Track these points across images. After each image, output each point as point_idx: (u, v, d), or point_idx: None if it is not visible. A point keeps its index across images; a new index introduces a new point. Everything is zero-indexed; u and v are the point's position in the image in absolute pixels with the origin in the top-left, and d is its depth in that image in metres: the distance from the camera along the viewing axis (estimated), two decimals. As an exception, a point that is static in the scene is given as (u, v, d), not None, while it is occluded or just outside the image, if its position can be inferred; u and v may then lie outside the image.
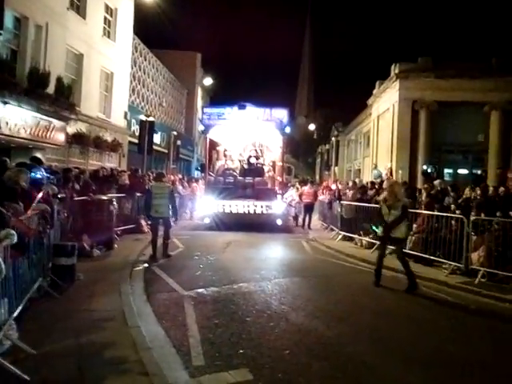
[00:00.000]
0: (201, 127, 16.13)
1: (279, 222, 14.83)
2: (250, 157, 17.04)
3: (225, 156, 18.81)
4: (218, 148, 18.66)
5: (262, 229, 14.04)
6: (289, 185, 20.37)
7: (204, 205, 15.26)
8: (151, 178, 15.08)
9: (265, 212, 14.59)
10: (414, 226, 10.07)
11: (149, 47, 27.19)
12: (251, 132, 16.52)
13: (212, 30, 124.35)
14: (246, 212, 14.56)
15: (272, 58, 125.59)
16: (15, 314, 4.56)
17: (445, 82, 23.03)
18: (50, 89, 14.41)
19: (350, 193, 14.07)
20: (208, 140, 16.76)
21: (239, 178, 16.13)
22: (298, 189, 18.10)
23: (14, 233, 4.20)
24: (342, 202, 13.77)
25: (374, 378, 4.17)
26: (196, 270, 8.64)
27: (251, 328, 5.35)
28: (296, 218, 17.76)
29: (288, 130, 15.70)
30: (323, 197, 17.37)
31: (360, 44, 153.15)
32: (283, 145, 16.52)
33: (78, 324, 5.16)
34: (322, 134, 56.75)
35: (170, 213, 10.09)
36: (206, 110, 17.08)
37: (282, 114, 15.60)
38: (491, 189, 11.83)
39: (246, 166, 16.82)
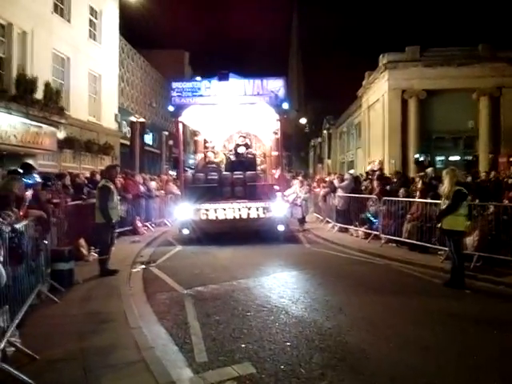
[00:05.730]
0: (170, 108, 12.07)
1: (281, 227, 11.65)
2: (238, 145, 13.80)
3: (205, 148, 15.45)
4: (196, 138, 15.94)
5: (260, 239, 11.50)
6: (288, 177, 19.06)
7: (180, 211, 11.82)
8: (145, 180, 15.03)
9: (261, 216, 11.55)
10: (408, 215, 10.16)
11: (136, 48, 27.12)
12: (237, 113, 12.88)
13: (198, 25, 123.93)
14: (237, 217, 11.50)
15: (260, 50, 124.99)
16: (17, 321, 4.58)
17: (433, 71, 23.16)
18: (39, 94, 14.40)
19: (344, 184, 13.85)
20: (181, 126, 12.61)
21: (225, 173, 12.99)
22: (302, 182, 15.35)
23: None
24: (336, 193, 13.78)
25: (373, 364, 4.23)
26: (194, 268, 8.67)
27: (252, 322, 5.40)
28: (303, 220, 14.58)
29: (286, 106, 11.77)
30: (318, 190, 17.39)
31: (348, 35, 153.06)
32: (280, 126, 12.41)
33: (80, 327, 5.19)
34: (313, 127, 56.81)
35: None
36: (175, 84, 11.98)
37: (277, 84, 11.77)
38: (483, 174, 12.00)
39: (233, 158, 13.68)
